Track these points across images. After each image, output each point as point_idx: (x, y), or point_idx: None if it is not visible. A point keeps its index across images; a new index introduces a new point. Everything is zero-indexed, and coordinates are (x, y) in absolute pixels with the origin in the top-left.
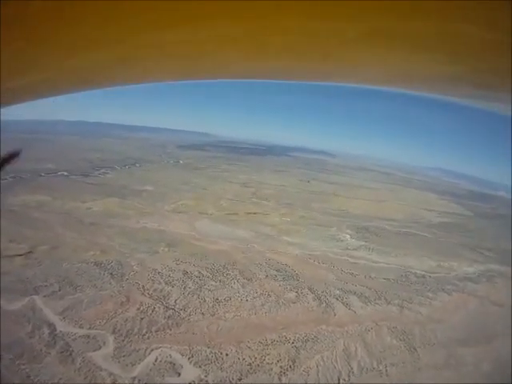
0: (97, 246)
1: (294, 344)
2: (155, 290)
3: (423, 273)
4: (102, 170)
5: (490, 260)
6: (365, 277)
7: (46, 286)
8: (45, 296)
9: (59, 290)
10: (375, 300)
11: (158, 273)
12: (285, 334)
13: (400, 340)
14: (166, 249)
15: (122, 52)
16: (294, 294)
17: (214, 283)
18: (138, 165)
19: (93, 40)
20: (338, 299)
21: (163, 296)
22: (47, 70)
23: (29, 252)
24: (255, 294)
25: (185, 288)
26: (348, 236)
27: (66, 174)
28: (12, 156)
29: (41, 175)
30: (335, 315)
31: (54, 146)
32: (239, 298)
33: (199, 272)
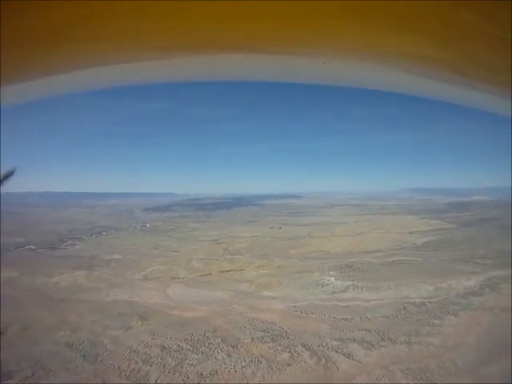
0: (67, 324)
1: None
2: (132, 371)
3: (422, 300)
4: (70, 242)
5: (488, 267)
6: (361, 319)
7: (19, 370)
8: (19, 381)
9: (32, 375)
10: (379, 343)
11: (134, 351)
12: None
13: (418, 380)
14: (140, 322)
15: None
16: (287, 354)
17: (195, 356)
18: (104, 233)
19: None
20: (337, 351)
21: (142, 377)
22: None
23: (0, 333)
24: (244, 363)
25: (164, 366)
26: (332, 278)
27: (33, 247)
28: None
29: (10, 250)
30: (338, 370)
31: (24, 218)
32: (226, 370)
33: (178, 345)
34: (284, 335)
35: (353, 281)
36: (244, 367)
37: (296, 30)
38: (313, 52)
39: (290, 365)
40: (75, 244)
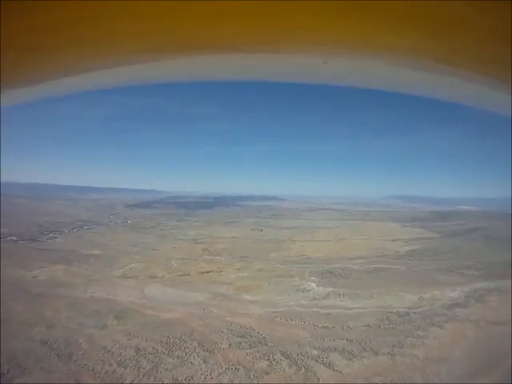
0: (43, 320)
1: None
2: (106, 373)
3: (406, 310)
4: (51, 235)
5: (474, 278)
6: (342, 328)
7: None
8: None
9: (7, 373)
10: (360, 353)
11: (108, 351)
12: None
13: None
14: (115, 322)
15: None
16: (266, 362)
17: (171, 360)
18: (85, 227)
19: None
20: (317, 360)
21: (116, 379)
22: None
23: None
24: (220, 370)
25: (139, 369)
26: (313, 284)
27: (14, 238)
28: None
29: None
30: (319, 380)
31: (8, 209)
32: (202, 376)
33: (153, 348)
34: (262, 342)
35: (334, 287)
36: (221, 374)
37: (295, 28)
38: (311, 50)
39: (268, 373)
40: (56, 237)
